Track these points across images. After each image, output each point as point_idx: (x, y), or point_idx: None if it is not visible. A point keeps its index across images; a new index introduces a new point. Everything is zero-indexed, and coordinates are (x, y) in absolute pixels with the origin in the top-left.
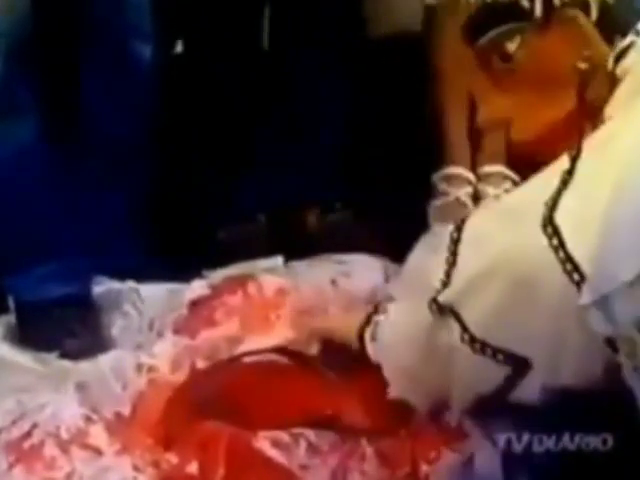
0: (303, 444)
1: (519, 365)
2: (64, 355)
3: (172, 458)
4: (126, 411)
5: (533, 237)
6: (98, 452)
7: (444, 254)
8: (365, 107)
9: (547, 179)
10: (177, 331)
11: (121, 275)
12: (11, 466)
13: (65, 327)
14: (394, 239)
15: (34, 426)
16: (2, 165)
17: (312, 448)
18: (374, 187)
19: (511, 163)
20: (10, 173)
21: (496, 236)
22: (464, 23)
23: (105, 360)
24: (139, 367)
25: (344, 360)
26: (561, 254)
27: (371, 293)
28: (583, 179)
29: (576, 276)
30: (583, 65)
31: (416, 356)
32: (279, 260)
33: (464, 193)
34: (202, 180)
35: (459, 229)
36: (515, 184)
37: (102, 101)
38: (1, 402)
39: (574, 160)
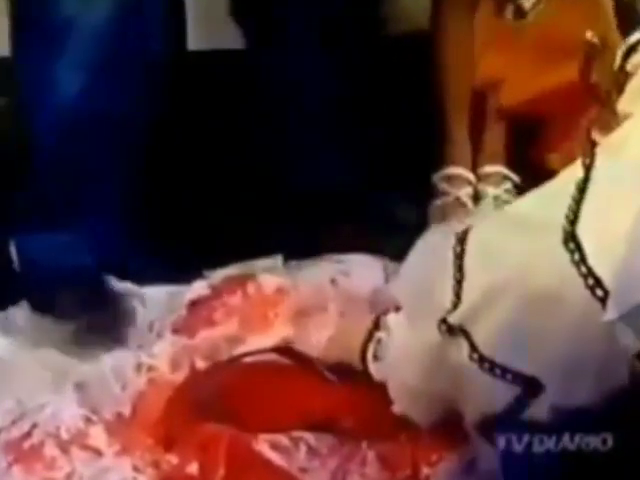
0: (303, 448)
1: (530, 385)
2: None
3: (172, 459)
4: (126, 411)
5: (553, 252)
6: (98, 453)
7: (450, 271)
8: (371, 105)
9: (560, 188)
10: (176, 331)
11: (121, 276)
12: (10, 466)
13: (79, 297)
14: (394, 239)
15: (34, 426)
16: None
17: (312, 451)
18: (374, 187)
19: (507, 128)
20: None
21: (508, 249)
22: None
23: (105, 360)
24: (139, 367)
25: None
26: (583, 269)
27: (371, 292)
28: (601, 188)
29: (599, 292)
30: (592, 37)
31: (422, 375)
32: (279, 260)
33: (464, 193)
34: (202, 180)
35: (462, 241)
36: (515, 184)
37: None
38: (1, 402)
39: (588, 168)
